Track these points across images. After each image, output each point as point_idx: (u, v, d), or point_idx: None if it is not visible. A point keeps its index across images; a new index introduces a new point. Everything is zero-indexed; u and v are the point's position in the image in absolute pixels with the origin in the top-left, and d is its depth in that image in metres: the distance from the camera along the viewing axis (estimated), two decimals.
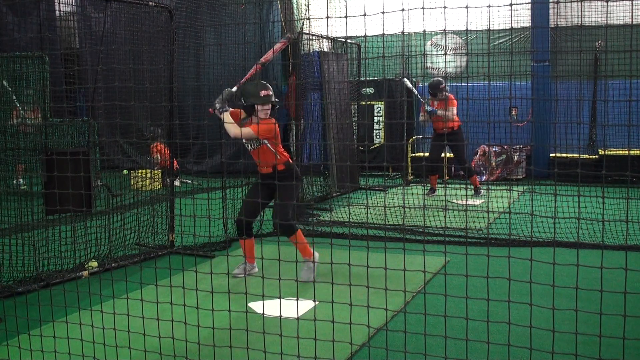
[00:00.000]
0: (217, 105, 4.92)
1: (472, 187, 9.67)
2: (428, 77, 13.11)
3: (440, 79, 9.44)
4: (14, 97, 7.80)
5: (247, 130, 4.84)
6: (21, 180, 8.63)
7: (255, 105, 4.95)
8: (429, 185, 9.90)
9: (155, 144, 10.37)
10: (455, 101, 9.29)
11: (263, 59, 5.10)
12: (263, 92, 4.94)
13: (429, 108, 9.16)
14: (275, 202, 5.29)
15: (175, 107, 7.17)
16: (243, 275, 5.26)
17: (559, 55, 11.38)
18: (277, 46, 5.26)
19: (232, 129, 4.83)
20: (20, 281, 5.00)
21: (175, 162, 10.53)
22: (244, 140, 5.05)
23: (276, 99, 5.10)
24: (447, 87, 9.41)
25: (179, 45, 9.54)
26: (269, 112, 5.02)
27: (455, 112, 9.26)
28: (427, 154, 10.54)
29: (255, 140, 5.03)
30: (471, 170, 9.69)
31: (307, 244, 5.28)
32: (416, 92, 9.81)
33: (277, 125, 5.06)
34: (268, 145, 5.02)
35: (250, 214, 5.26)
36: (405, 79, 9.64)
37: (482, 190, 9.55)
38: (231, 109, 5.03)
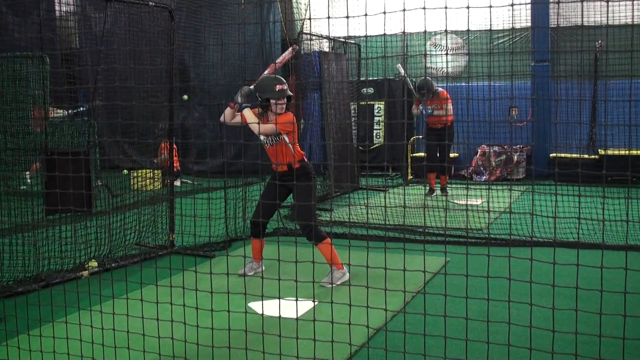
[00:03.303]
0: (239, 100, 4.93)
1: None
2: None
3: (428, 79, 9.30)
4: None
5: (269, 125, 4.87)
6: (28, 178, 8.63)
7: (270, 100, 4.97)
8: (429, 186, 9.85)
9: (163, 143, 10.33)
10: (449, 98, 9.19)
11: (278, 61, 5.21)
12: (278, 87, 4.96)
13: (424, 108, 9.12)
14: (293, 204, 5.25)
15: (175, 107, 7.16)
16: (250, 274, 5.34)
17: (559, 55, 11.38)
18: (289, 52, 5.26)
19: (254, 125, 4.84)
20: (20, 281, 5.00)
21: (176, 162, 10.53)
22: (262, 137, 5.04)
23: (291, 93, 5.10)
24: (437, 86, 9.34)
25: (179, 45, 9.54)
26: (284, 106, 5.02)
27: (450, 106, 9.17)
28: (425, 154, 10.53)
29: (274, 136, 5.01)
30: (443, 170, 9.53)
31: (337, 256, 5.08)
32: (409, 83, 9.61)
33: (295, 119, 5.09)
34: (286, 140, 5.01)
35: (266, 214, 5.25)
36: (399, 65, 9.59)
37: (436, 192, 9.62)
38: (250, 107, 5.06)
